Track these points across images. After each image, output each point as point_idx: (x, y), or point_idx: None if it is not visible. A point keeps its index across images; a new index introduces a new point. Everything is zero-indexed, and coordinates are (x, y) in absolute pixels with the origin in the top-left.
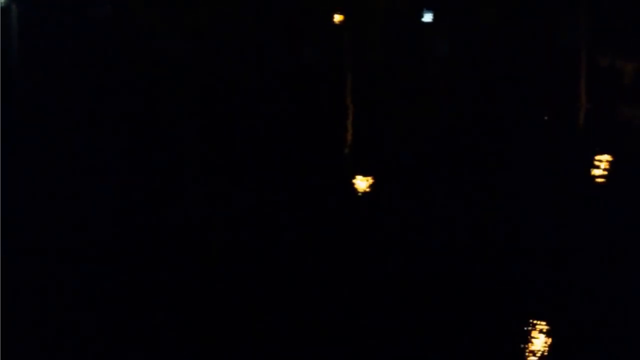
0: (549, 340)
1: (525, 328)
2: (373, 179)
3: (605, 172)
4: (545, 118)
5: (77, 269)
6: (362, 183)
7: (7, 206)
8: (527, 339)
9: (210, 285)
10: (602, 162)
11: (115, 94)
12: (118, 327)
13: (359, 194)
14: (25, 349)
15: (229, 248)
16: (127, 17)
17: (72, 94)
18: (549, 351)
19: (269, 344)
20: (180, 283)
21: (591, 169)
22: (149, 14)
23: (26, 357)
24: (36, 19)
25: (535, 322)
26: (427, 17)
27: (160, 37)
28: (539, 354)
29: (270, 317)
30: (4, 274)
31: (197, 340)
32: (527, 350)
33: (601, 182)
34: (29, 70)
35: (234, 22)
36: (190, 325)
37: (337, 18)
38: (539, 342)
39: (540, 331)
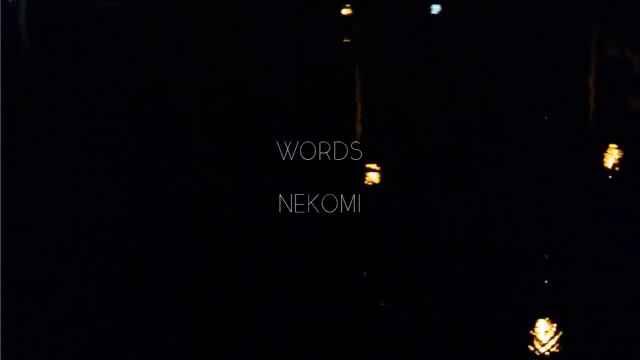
0: (550, 340)
1: (526, 328)
2: (381, 172)
3: (615, 164)
4: (545, 118)
5: (76, 268)
6: (370, 176)
7: (9, 206)
8: (527, 339)
9: (213, 284)
10: (611, 154)
11: (124, 87)
12: (118, 326)
13: (367, 187)
14: (25, 348)
15: (230, 244)
16: (135, 10)
17: (81, 88)
18: (549, 351)
19: (269, 344)
20: (182, 283)
21: (600, 161)
22: (157, 5)
23: (26, 356)
24: (45, 13)
25: (535, 322)
26: (435, 10)
27: (168, 28)
28: (539, 354)
29: (272, 316)
30: (4, 274)
31: (197, 340)
32: (527, 351)
33: (610, 175)
34: (38, 64)
35: (242, 15)
36: (190, 325)
37: (346, 11)
38: (539, 342)
39: (540, 331)
